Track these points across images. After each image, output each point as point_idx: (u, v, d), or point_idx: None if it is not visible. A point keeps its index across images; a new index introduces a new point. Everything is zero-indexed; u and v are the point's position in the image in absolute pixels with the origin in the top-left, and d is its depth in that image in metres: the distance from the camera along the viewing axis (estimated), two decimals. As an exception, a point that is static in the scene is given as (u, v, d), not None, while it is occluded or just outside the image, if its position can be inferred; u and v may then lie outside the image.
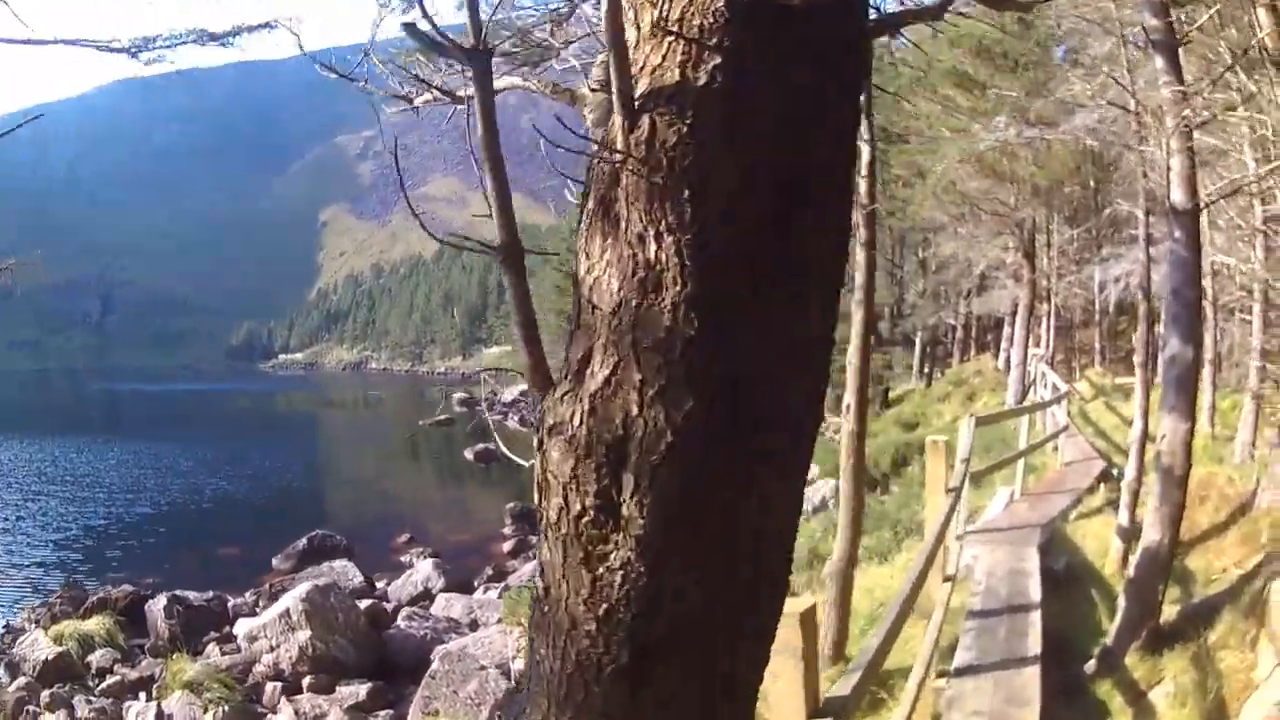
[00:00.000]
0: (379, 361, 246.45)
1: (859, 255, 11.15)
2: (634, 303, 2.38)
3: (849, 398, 11.23)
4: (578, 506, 2.46)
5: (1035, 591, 10.33)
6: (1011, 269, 37.57)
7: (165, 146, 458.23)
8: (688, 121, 2.34)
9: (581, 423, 2.45)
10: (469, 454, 51.78)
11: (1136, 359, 14.20)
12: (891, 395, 47.30)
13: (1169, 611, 9.68)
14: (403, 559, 29.42)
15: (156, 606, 21.62)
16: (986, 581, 10.84)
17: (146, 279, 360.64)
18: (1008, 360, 37.73)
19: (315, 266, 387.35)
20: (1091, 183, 36.32)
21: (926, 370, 50.97)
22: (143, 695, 17.39)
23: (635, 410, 2.37)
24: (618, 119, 2.43)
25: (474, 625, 21.16)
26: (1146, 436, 12.93)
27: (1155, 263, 15.71)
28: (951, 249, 41.47)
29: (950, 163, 32.54)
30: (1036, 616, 9.40)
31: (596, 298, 2.48)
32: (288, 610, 18.69)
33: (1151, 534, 9.30)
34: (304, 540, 29.55)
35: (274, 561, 28.81)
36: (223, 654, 19.59)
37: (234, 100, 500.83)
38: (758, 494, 2.53)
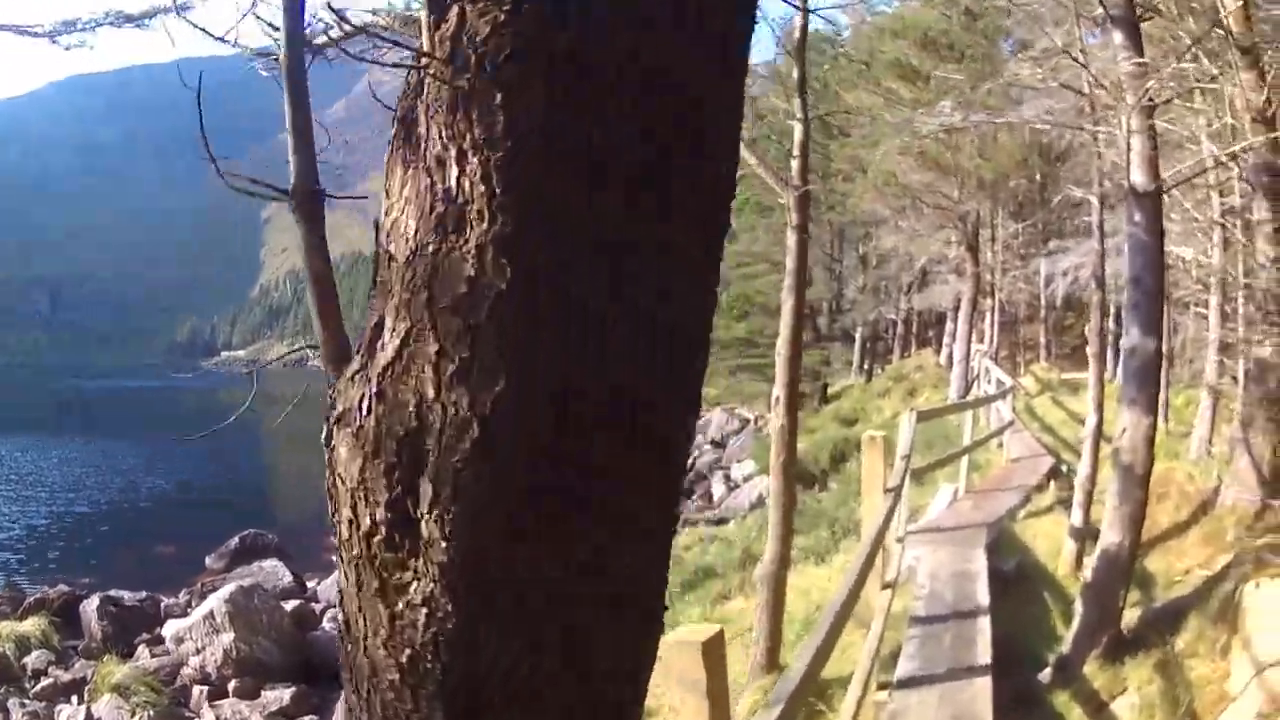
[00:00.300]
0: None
1: (790, 239, 10.57)
2: (430, 248, 1.75)
3: (778, 390, 10.65)
4: (368, 521, 1.84)
5: (983, 595, 9.77)
6: (954, 263, 37.75)
7: (112, 143, 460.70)
8: (506, 7, 1.71)
9: (369, 411, 1.82)
10: (406, 449, 51.26)
11: (1090, 350, 13.73)
12: (830, 391, 47.49)
13: (1129, 616, 9.22)
14: (334, 557, 28.62)
15: (90, 607, 21.11)
16: (930, 585, 10.30)
17: (94, 275, 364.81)
18: (950, 356, 37.50)
19: (258, 263, 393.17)
20: (1038, 176, 36.36)
21: (866, 366, 50.98)
22: (74, 698, 17.00)
23: (431, 393, 1.74)
24: (424, 14, 1.82)
25: (400, 628, 20.39)
26: (1101, 431, 12.51)
27: (1109, 255, 15.38)
28: (892, 242, 41.34)
29: (891, 153, 32.38)
30: (985, 622, 8.85)
31: (393, 245, 1.84)
32: (212, 612, 18.23)
33: (1111, 535, 8.82)
34: (236, 539, 29.03)
35: (207, 561, 28.25)
36: (152, 656, 19.09)
37: (180, 96, 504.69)
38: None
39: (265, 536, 29.49)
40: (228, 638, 17.73)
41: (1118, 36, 9.51)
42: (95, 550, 31.70)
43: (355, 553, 1.91)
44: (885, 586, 8.85)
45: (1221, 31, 11.18)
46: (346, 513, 1.90)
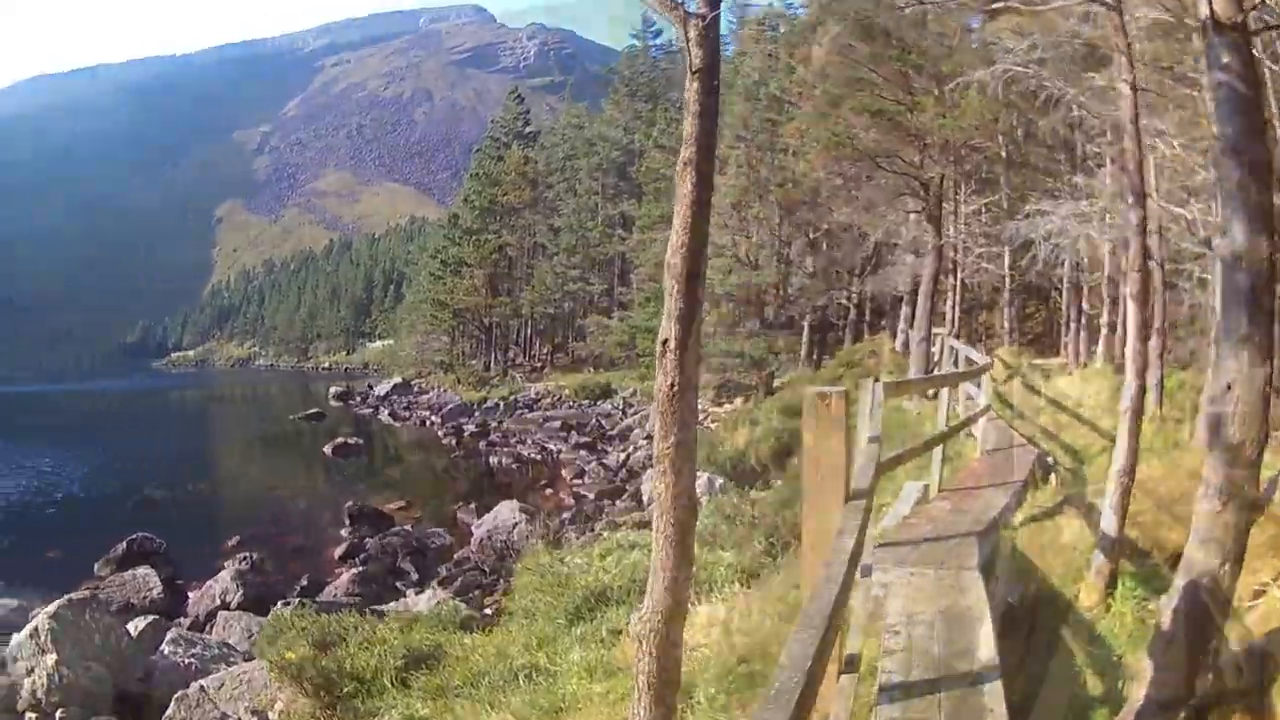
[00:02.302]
0: (266, 358, 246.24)
1: (689, 90, 6.40)
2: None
3: (666, 328, 6.36)
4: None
5: (988, 646, 6.17)
6: (911, 242, 35.88)
7: (69, 142, 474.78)
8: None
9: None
10: (328, 449, 50.43)
11: (1129, 290, 10.21)
12: (777, 383, 45.49)
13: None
14: (227, 564, 26.15)
15: (-63, 619, 18.93)
16: (907, 631, 6.66)
17: (46, 276, 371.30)
18: (906, 341, 35.84)
19: (210, 263, 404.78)
20: (1004, 148, 34.20)
21: (816, 356, 49.33)
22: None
23: None
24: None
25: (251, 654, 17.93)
26: (1143, 400, 9.37)
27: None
28: (845, 215, 39.33)
29: (846, 114, 30.37)
30: (996, 690, 5.40)
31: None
32: (36, 629, 16.00)
33: (1204, 555, 5.57)
34: (124, 544, 26.79)
35: (95, 567, 26.15)
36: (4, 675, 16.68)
37: (139, 95, 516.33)
38: None
39: (153, 541, 27.35)
40: (50, 660, 15.63)
41: None
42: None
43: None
44: (845, 670, 5.52)
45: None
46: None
